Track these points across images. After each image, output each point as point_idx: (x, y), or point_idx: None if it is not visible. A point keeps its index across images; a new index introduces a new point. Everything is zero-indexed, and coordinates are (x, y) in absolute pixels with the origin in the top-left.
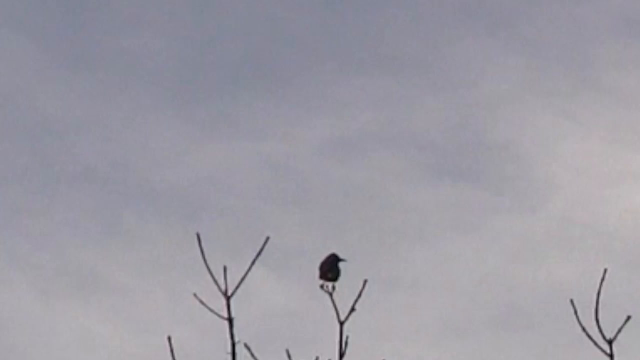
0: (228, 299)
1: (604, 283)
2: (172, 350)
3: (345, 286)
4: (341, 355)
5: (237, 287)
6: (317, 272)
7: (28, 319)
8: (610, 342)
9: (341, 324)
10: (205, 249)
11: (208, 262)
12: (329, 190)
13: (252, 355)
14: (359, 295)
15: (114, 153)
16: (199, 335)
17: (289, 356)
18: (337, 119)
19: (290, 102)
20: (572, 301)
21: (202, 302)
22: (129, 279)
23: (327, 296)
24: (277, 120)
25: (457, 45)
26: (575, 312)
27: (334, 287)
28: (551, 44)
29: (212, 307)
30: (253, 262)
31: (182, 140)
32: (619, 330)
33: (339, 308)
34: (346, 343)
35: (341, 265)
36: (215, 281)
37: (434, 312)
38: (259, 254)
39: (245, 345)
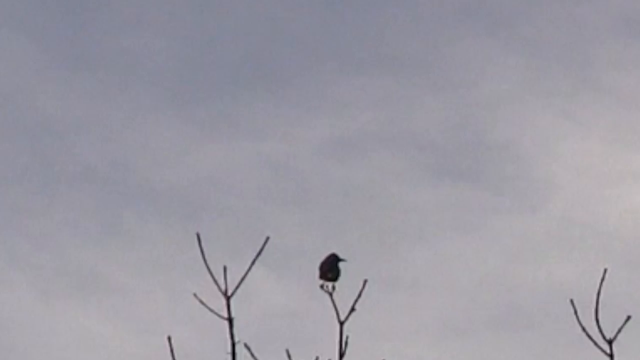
0: (228, 299)
1: (604, 283)
2: (172, 350)
3: (345, 286)
4: (341, 355)
5: (237, 287)
6: (317, 272)
7: (28, 319)
8: (610, 342)
9: (341, 324)
10: (205, 249)
11: (208, 262)
12: (329, 190)
13: (252, 355)
14: (359, 295)
15: (114, 153)
16: (199, 335)
17: (289, 356)
18: (337, 119)
19: (290, 102)
20: (572, 301)
21: (202, 302)
22: (129, 279)
23: (327, 296)
24: (277, 120)
25: (457, 45)
26: (575, 312)
27: (334, 287)
28: (551, 44)
29: (212, 307)
30: (253, 262)
31: (182, 140)
32: (619, 330)
33: (339, 308)
34: (346, 343)
35: (341, 265)
36: (215, 281)
37: (434, 312)
38: (259, 254)
39: (245, 345)
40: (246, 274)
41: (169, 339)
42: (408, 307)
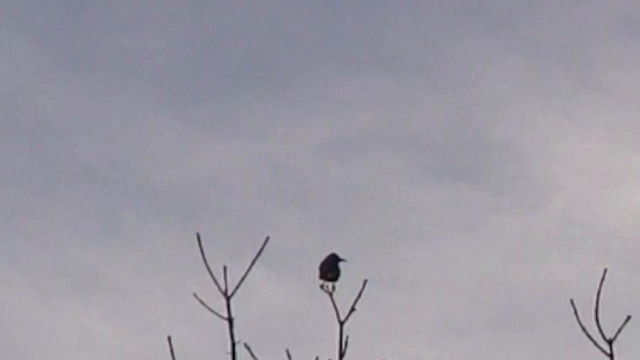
0: (228, 299)
1: (604, 283)
2: (172, 350)
3: (345, 286)
4: (341, 355)
5: (237, 287)
6: (317, 272)
7: (28, 319)
8: (610, 342)
9: (341, 324)
10: (205, 249)
11: (208, 262)
12: (329, 190)
13: (252, 355)
14: (359, 295)
15: (114, 153)
16: (199, 335)
17: (289, 356)
18: (337, 119)
19: (290, 102)
20: (572, 301)
21: (202, 302)
22: (129, 279)
23: (327, 296)
24: (277, 120)
25: (457, 45)
26: (575, 312)
27: (334, 287)
28: (551, 44)
29: (212, 307)
30: (253, 262)
31: (182, 140)
32: (619, 330)
33: (339, 308)
34: (346, 343)
35: (341, 265)
36: (215, 281)
37: (434, 312)
38: (259, 254)
39: (245, 345)
40: (246, 274)
41: (169, 339)
42: (408, 307)
